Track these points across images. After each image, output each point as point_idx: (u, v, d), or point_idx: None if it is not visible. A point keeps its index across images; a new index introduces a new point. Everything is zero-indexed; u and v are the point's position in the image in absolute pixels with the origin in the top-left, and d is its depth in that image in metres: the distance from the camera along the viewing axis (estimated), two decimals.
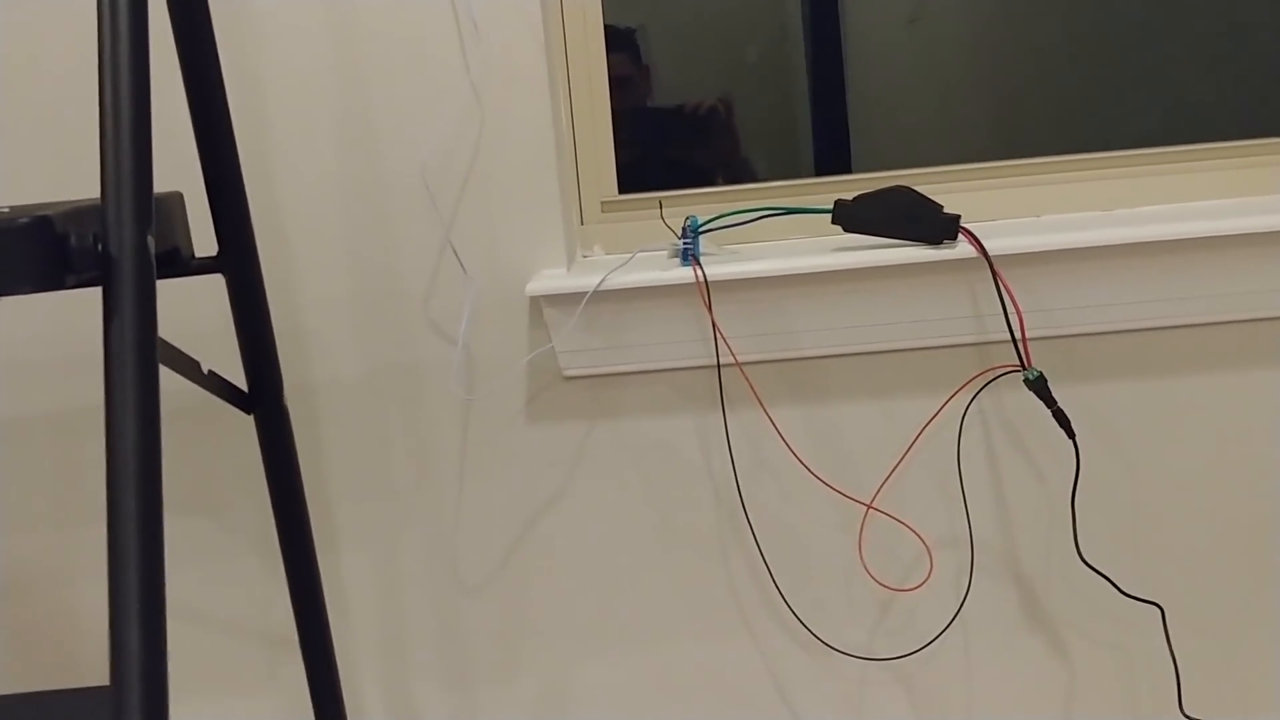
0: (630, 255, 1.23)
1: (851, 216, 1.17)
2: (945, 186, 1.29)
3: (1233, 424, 1.23)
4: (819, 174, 1.36)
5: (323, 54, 1.18)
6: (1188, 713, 1.20)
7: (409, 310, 1.23)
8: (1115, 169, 1.29)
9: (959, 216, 1.15)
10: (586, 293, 1.16)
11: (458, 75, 1.17)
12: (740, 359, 1.20)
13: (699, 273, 1.15)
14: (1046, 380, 1.13)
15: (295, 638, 1.12)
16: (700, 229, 1.18)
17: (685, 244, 1.17)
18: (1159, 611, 1.17)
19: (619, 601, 1.29)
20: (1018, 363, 1.14)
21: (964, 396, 1.21)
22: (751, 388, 1.21)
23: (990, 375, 1.18)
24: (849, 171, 1.35)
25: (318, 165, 1.20)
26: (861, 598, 1.28)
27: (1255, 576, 1.26)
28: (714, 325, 1.18)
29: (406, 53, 1.17)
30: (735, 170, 1.38)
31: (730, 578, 1.28)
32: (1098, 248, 1.16)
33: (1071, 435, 1.13)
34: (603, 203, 1.32)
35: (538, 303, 1.21)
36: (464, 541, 1.28)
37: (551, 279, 1.19)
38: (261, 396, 0.97)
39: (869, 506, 1.22)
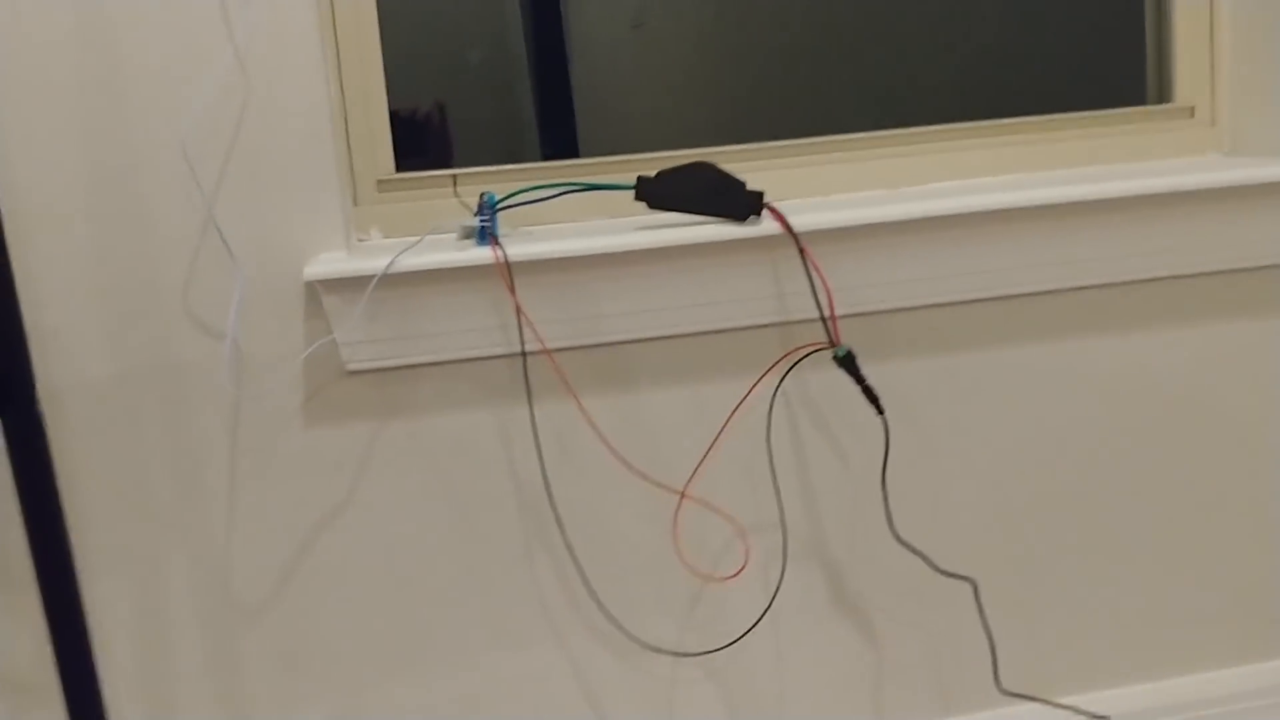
0: (419, 237, 1.14)
1: (655, 193, 1.12)
2: (731, 166, 1.26)
3: (1035, 395, 1.25)
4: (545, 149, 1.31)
5: (59, 8, 1.02)
6: (1005, 688, 1.22)
7: (168, 302, 1.08)
8: (906, 146, 1.30)
9: (762, 193, 1.12)
10: (373, 277, 1.06)
11: (220, 39, 1.05)
12: (547, 345, 1.12)
13: (499, 253, 1.07)
14: (855, 356, 1.11)
15: (42, 683, 0.97)
16: (499, 205, 1.09)
17: (483, 221, 1.09)
18: (971, 587, 1.17)
19: (416, 616, 1.19)
20: (826, 341, 1.11)
21: (772, 378, 1.18)
22: (562, 376, 1.13)
23: (799, 354, 1.15)
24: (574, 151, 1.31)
25: (56, 138, 1.04)
26: (672, 591, 1.22)
27: (1059, 547, 1.29)
28: (518, 309, 1.10)
29: (161, 11, 1.03)
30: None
31: (536, 581, 1.20)
32: (905, 221, 1.15)
33: (880, 411, 1.12)
34: (379, 181, 1.22)
35: (315, 290, 1.09)
36: (238, 559, 1.14)
37: (331, 263, 1.07)
38: (10, 395, 0.82)
39: (682, 495, 1.17)
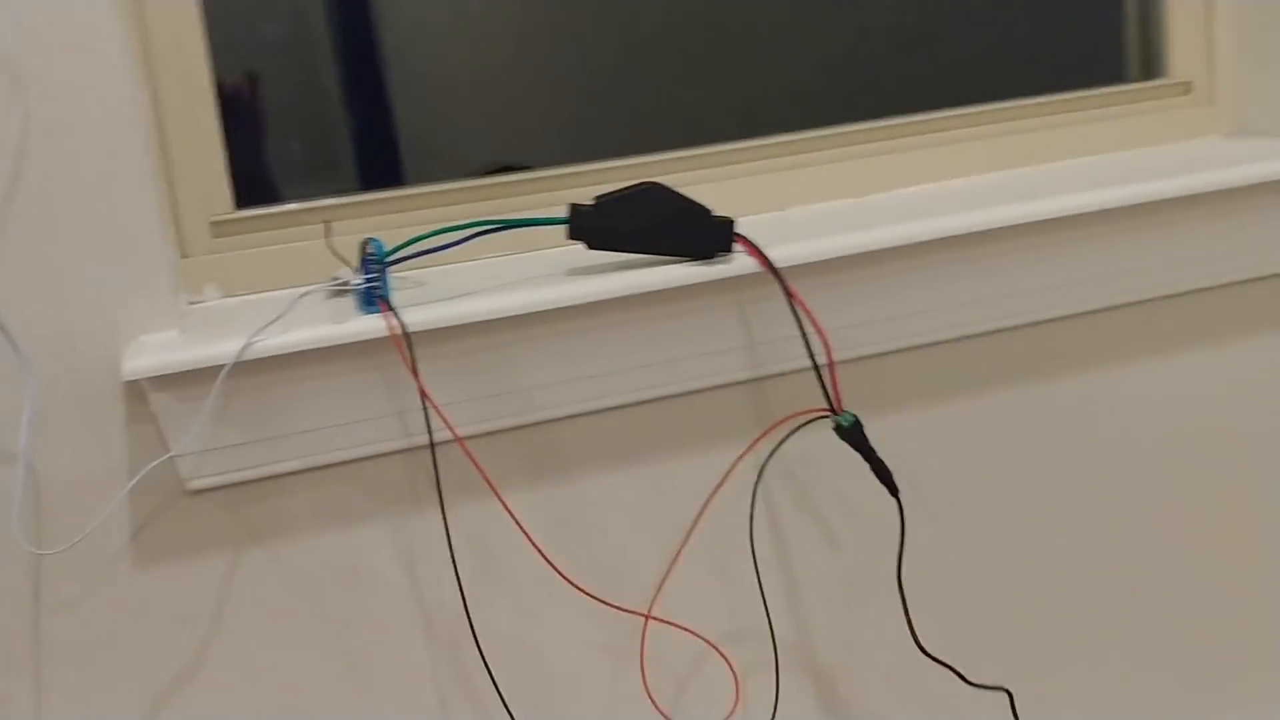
0: (289, 301, 0.83)
1: (595, 228, 0.85)
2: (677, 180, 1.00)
3: (1057, 444, 1.03)
4: (364, 178, 1.03)
5: None
6: None
7: None
8: (862, 145, 1.06)
9: (732, 221, 0.86)
10: (219, 368, 0.76)
11: None
12: (460, 432, 0.84)
13: (395, 322, 0.78)
14: (861, 425, 0.87)
15: None
16: (389, 258, 0.81)
17: (370, 281, 0.80)
18: (1007, 697, 0.94)
19: None
20: (825, 406, 0.87)
21: (756, 452, 0.93)
22: (480, 470, 0.85)
23: (794, 422, 0.90)
24: (399, 178, 1.03)
25: None
26: None
27: (1104, 636, 1.08)
28: (424, 394, 0.81)
29: None
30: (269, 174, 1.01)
31: None
32: (907, 246, 0.91)
33: (895, 491, 0.88)
34: (213, 223, 0.91)
35: (139, 388, 0.79)
36: None
37: (160, 350, 0.76)
38: None
39: (648, 616, 0.91)
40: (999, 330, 0.99)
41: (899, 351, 0.97)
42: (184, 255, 0.90)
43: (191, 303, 0.89)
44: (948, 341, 0.99)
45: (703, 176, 1.02)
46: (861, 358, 0.96)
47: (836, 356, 0.91)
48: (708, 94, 1.11)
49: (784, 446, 0.94)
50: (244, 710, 0.87)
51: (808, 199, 1.04)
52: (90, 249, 0.77)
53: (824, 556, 0.98)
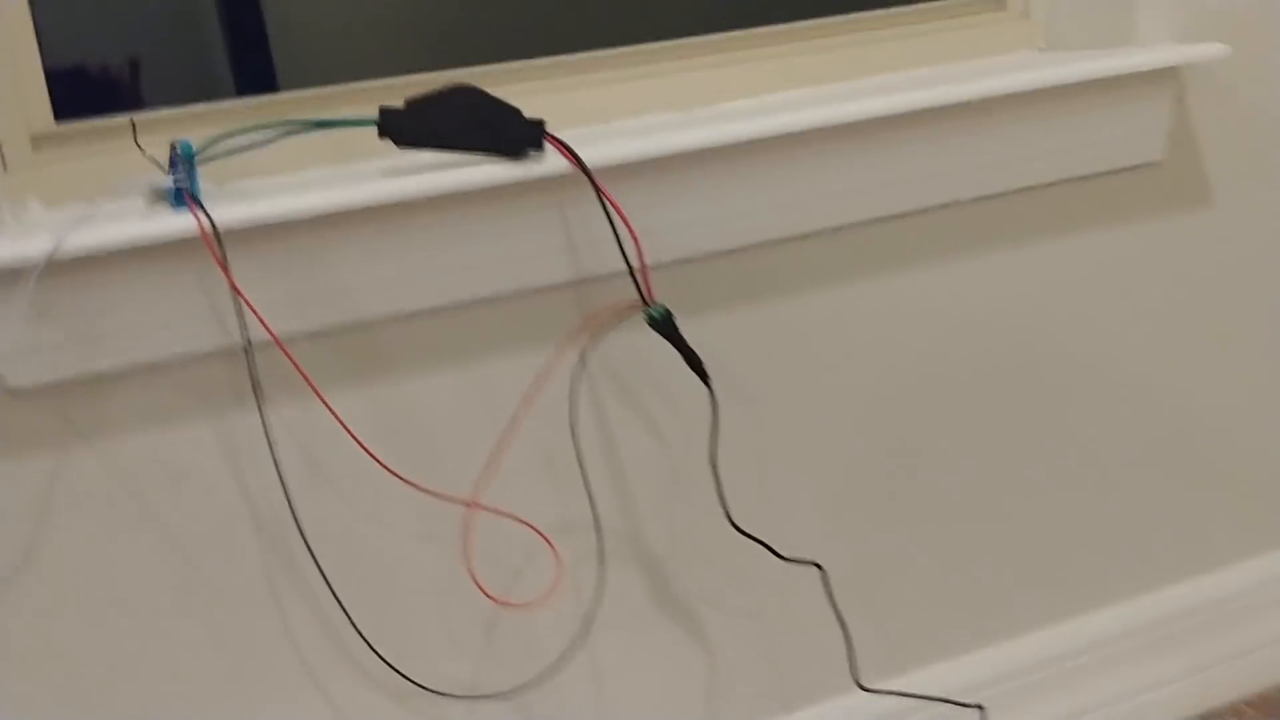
0: (92, 204, 0.85)
1: (404, 127, 0.87)
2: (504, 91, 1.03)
3: (872, 339, 1.08)
4: (240, 83, 1.04)
5: None
6: (863, 682, 1.05)
7: None
8: (689, 60, 1.10)
9: (542, 122, 0.89)
10: (34, 266, 0.77)
11: None
12: (276, 332, 0.87)
13: (202, 218, 0.80)
14: (673, 317, 0.91)
15: None
16: (196, 156, 0.82)
17: (176, 180, 0.81)
18: (819, 572, 1.00)
19: (139, 690, 0.92)
20: (637, 299, 0.90)
21: (573, 348, 0.96)
22: (299, 369, 0.88)
23: (606, 318, 0.94)
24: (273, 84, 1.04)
25: None
26: (460, 618, 1.00)
27: (906, 517, 1.13)
28: (235, 289, 0.83)
29: None
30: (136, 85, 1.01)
31: (288, 627, 0.95)
32: (718, 148, 0.94)
33: (707, 380, 0.92)
34: (34, 138, 0.92)
35: None
36: None
37: None
38: None
39: (471, 504, 0.94)
40: (813, 233, 1.04)
41: (720, 254, 1.01)
42: (5, 169, 0.91)
43: (17, 215, 0.90)
44: (766, 243, 1.02)
45: (528, 89, 1.04)
46: (682, 260, 0.99)
47: (656, 260, 0.95)
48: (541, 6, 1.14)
49: (612, 346, 0.98)
50: (76, 601, 0.89)
51: (633, 112, 1.07)
52: None
53: (649, 446, 1.01)
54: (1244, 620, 1.31)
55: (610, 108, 1.07)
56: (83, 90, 0.97)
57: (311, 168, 0.97)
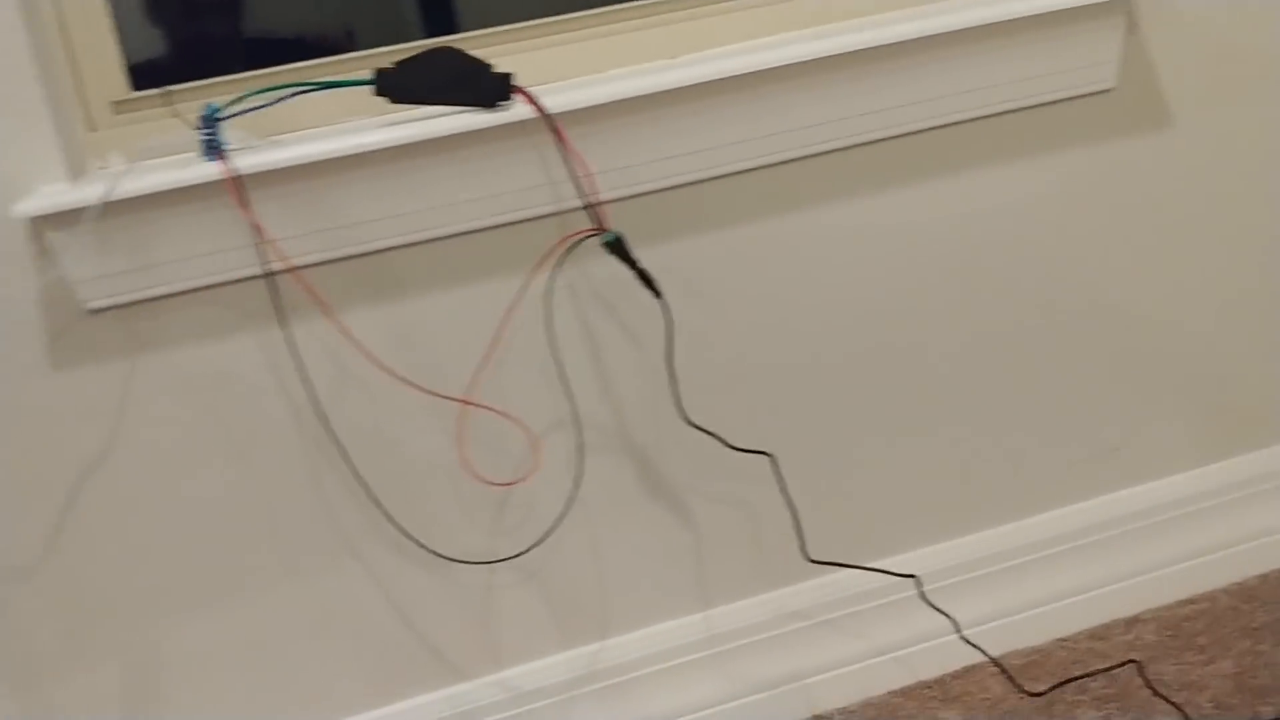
0: (143, 159, 1.05)
1: (395, 85, 1.04)
2: (498, 51, 1.19)
3: (823, 259, 1.21)
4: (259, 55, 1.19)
5: None
6: (812, 556, 1.20)
7: None
8: (652, 17, 1.23)
9: (510, 75, 1.05)
10: (92, 206, 0.98)
11: None
12: (295, 262, 1.05)
13: (226, 166, 0.99)
14: (624, 240, 1.06)
15: None
16: (218, 115, 1.01)
17: (206, 135, 1.01)
18: (770, 461, 1.15)
19: (200, 557, 1.13)
20: (593, 227, 1.06)
21: (546, 271, 1.12)
22: (313, 293, 1.07)
23: (567, 244, 1.10)
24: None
25: None
26: (474, 500, 1.18)
27: (856, 412, 1.27)
28: (255, 226, 1.03)
29: None
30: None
31: (327, 506, 1.15)
32: (668, 92, 1.08)
33: (658, 294, 1.07)
34: (114, 104, 1.13)
35: (40, 229, 1.01)
36: None
37: (48, 195, 0.99)
38: None
39: (465, 402, 1.12)
40: (773, 164, 1.16)
41: (680, 187, 1.15)
42: (92, 130, 1.11)
43: (101, 169, 1.11)
44: (733, 174, 1.16)
45: (526, 47, 1.20)
46: (648, 193, 1.14)
47: (622, 193, 1.11)
48: None
49: (592, 270, 1.13)
50: (148, 483, 1.10)
51: (602, 68, 1.20)
52: None
53: (622, 351, 1.17)
54: (1179, 527, 1.41)
55: (605, 61, 1.21)
56: (151, 64, 1.17)
57: (327, 123, 1.15)
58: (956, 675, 1.33)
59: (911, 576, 1.22)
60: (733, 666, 1.28)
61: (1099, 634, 1.36)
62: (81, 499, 1.09)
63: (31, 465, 1.07)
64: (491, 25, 1.19)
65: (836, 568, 1.23)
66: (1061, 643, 1.36)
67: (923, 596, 1.24)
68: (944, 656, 1.31)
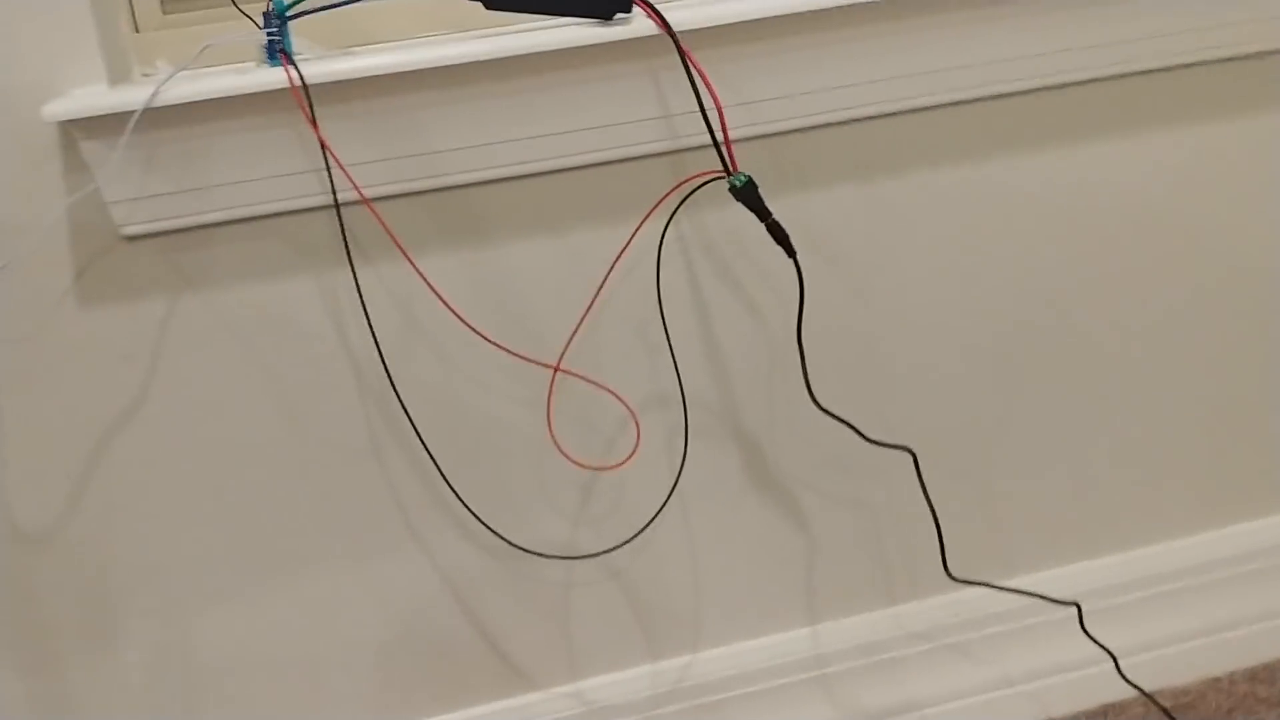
0: (194, 64, 0.89)
1: None
2: None
3: (980, 223, 1.03)
4: None
5: None
6: (954, 572, 1.03)
7: None
8: None
9: None
10: (134, 112, 0.83)
11: None
12: (368, 192, 0.90)
13: (293, 73, 0.84)
14: (756, 185, 0.89)
15: None
16: (287, 13, 0.85)
17: (271, 35, 0.85)
18: (910, 457, 0.97)
19: (240, 526, 0.98)
20: (721, 169, 0.89)
21: (658, 219, 0.96)
22: (387, 230, 0.91)
23: (687, 188, 0.93)
24: None
25: None
26: (556, 482, 1.02)
27: (1008, 405, 1.09)
28: (323, 145, 0.87)
29: None
30: None
31: (388, 477, 1.00)
32: (804, 13, 0.91)
33: (791, 252, 0.90)
34: (164, 2, 0.98)
35: (71, 135, 0.86)
36: (14, 481, 0.93)
37: (83, 98, 0.84)
38: None
39: (556, 369, 0.96)
40: (929, 107, 0.99)
41: (825, 126, 0.98)
42: (138, 31, 0.96)
43: (146, 74, 0.96)
44: (877, 117, 0.99)
45: None
46: (781, 132, 0.97)
47: (752, 131, 0.94)
48: None
49: (707, 221, 0.97)
50: (185, 438, 0.95)
51: None
52: (25, 11, 0.84)
53: (743, 320, 1.01)
54: None
55: None
56: None
57: (411, 36, 0.99)
58: (1092, 715, 1.15)
59: (1073, 605, 1.05)
60: (840, 691, 1.11)
61: (1259, 675, 1.19)
62: (109, 456, 0.94)
63: (52, 412, 0.92)
64: None
65: (980, 586, 1.06)
66: (1215, 682, 1.19)
67: (1081, 626, 1.06)
68: (1084, 691, 1.14)
